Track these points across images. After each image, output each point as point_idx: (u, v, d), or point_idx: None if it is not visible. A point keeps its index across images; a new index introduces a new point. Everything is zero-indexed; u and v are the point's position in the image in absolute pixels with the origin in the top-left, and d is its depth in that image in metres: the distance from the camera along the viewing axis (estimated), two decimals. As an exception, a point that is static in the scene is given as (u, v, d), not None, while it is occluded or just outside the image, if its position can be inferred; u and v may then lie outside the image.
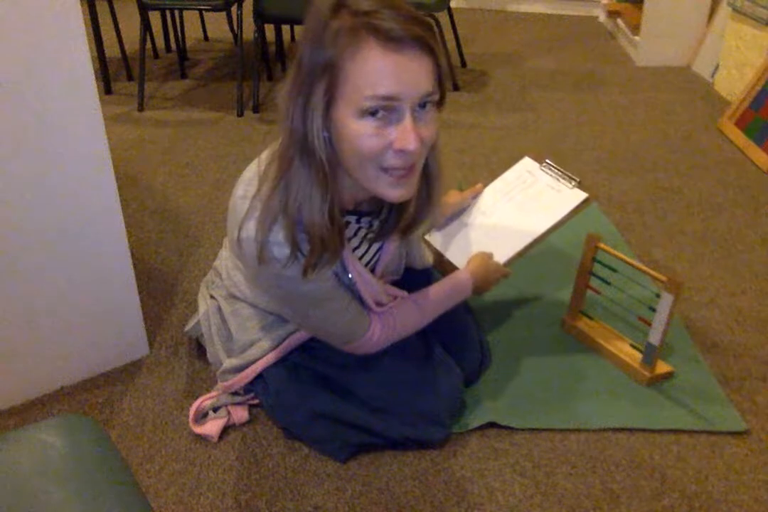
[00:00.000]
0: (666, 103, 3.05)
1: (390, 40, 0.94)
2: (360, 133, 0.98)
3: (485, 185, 1.64)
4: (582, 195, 1.50)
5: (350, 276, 1.19)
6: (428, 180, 1.15)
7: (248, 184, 1.11)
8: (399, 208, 1.18)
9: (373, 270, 1.30)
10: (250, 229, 1.07)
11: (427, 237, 1.58)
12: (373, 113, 0.97)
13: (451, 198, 1.60)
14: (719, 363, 1.57)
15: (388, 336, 1.28)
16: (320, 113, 0.99)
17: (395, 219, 1.19)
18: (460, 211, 1.61)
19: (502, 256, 1.49)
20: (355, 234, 1.22)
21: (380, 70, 0.95)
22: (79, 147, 1.30)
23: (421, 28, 0.96)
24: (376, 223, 1.21)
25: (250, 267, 1.13)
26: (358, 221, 1.19)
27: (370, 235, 1.23)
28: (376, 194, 1.07)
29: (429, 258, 1.47)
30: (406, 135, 0.98)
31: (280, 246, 1.06)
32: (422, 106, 0.99)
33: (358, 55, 0.95)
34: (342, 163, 1.04)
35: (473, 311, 1.57)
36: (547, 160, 1.59)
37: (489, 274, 1.44)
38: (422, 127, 1.00)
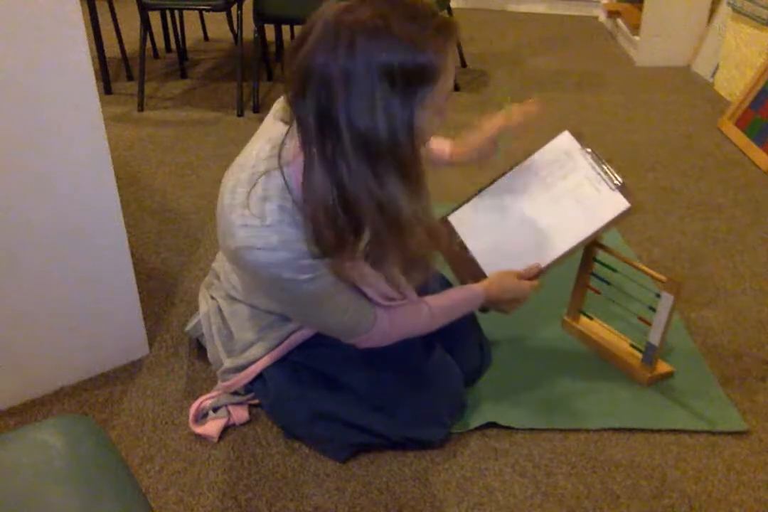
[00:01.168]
0: (666, 103, 3.05)
1: (453, 35, 0.99)
2: (436, 125, 1.05)
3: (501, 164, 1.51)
4: (624, 204, 1.35)
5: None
6: None
7: (233, 192, 1.09)
8: None
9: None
10: (243, 237, 1.06)
11: (450, 218, 1.50)
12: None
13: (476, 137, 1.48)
14: (719, 363, 1.57)
15: (394, 333, 1.28)
16: (409, 122, 0.98)
17: None
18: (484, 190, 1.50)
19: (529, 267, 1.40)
20: None
21: (453, 65, 1.01)
22: (79, 147, 1.30)
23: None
24: None
25: (247, 273, 1.13)
26: None
27: None
28: None
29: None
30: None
31: (276, 250, 1.06)
32: None
33: (447, 54, 0.98)
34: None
35: (473, 311, 1.57)
36: (590, 146, 1.44)
37: (503, 294, 1.38)
38: None
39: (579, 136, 1.46)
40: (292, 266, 1.07)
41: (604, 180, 1.39)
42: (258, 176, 1.07)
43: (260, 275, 1.09)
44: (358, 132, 0.95)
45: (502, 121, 1.45)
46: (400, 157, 0.99)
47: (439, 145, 1.48)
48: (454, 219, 1.51)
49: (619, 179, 1.38)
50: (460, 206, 1.52)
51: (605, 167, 1.41)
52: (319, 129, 0.98)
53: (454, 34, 0.99)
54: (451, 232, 1.48)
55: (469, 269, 1.44)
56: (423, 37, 0.94)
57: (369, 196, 1.00)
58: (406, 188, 1.02)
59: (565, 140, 1.47)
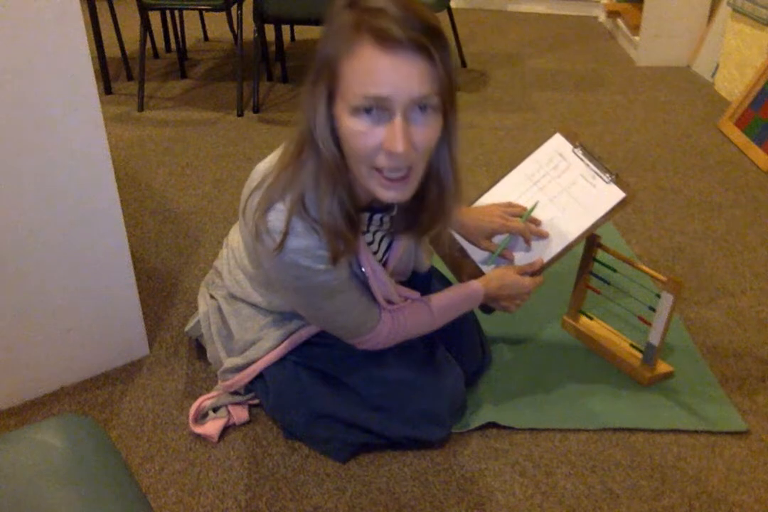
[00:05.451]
0: (666, 103, 3.05)
1: (385, 40, 0.93)
2: (353, 130, 0.99)
3: (511, 168, 1.50)
4: (619, 194, 1.37)
5: (363, 269, 1.20)
6: (440, 190, 1.12)
7: (262, 176, 1.11)
8: (408, 207, 1.17)
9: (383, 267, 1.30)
10: (270, 219, 1.07)
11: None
12: (367, 110, 0.97)
13: (494, 218, 1.43)
14: (719, 363, 1.57)
15: (397, 334, 1.28)
16: (323, 107, 1.01)
17: (404, 218, 1.19)
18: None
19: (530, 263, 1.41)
20: (368, 229, 1.22)
21: (372, 71, 0.95)
22: (79, 147, 1.30)
23: (423, 30, 0.94)
24: (386, 220, 1.22)
25: (265, 258, 1.13)
26: (370, 218, 1.20)
27: (379, 232, 1.23)
28: (371, 192, 1.07)
29: (429, 262, 1.46)
30: (393, 136, 0.97)
31: (298, 236, 1.07)
32: (422, 108, 0.98)
33: (354, 53, 0.95)
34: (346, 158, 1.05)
35: (474, 311, 1.57)
36: (581, 143, 1.45)
37: (503, 290, 1.37)
38: (416, 130, 0.99)
39: (570, 136, 1.47)
40: (312, 254, 1.08)
41: (598, 174, 1.41)
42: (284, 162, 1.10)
43: (280, 261, 1.10)
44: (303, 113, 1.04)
45: (515, 227, 1.42)
46: (318, 147, 1.03)
47: None
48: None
49: (613, 172, 1.40)
50: None
51: (598, 162, 1.42)
52: None
53: (380, 35, 0.93)
54: (452, 239, 1.49)
55: (470, 272, 1.44)
56: (340, 19, 0.97)
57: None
58: (317, 185, 1.05)
59: (557, 142, 1.48)
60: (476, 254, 1.46)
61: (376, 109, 0.97)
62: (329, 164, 1.03)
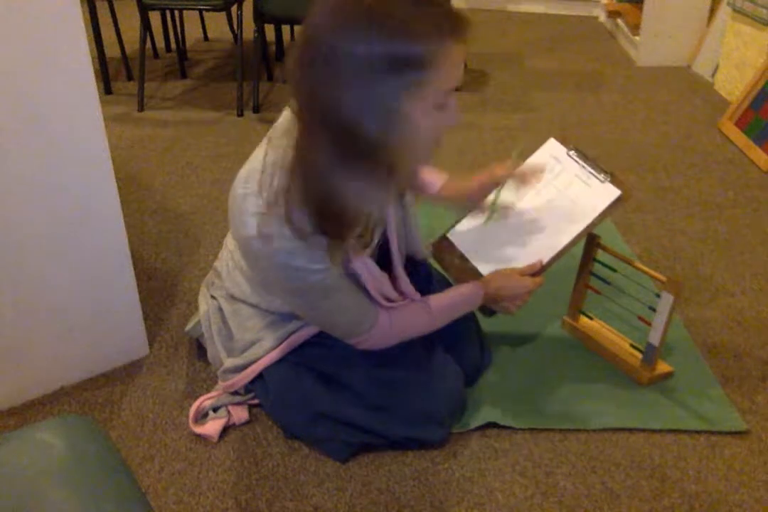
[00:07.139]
0: (666, 103, 3.05)
1: (464, 31, 1.03)
2: (439, 122, 1.05)
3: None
4: (615, 192, 1.38)
5: (353, 265, 1.20)
6: None
7: (246, 182, 1.11)
8: None
9: (388, 253, 1.30)
10: (256, 225, 1.07)
11: (449, 235, 1.51)
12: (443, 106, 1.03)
13: (478, 177, 1.46)
14: (719, 363, 1.57)
15: (395, 334, 1.28)
16: (396, 109, 0.99)
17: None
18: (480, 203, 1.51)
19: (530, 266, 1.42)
20: None
21: (457, 62, 1.03)
22: (79, 147, 1.30)
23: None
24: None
25: (258, 261, 1.13)
26: None
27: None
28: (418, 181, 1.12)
29: (426, 251, 1.46)
30: (457, 109, 1.07)
31: (288, 239, 1.07)
32: None
33: (447, 53, 1.00)
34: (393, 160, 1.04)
35: (473, 311, 1.57)
36: (575, 146, 1.48)
37: (503, 291, 1.37)
38: None
39: (564, 141, 1.51)
40: (304, 254, 1.09)
41: (593, 174, 1.43)
42: (270, 166, 1.08)
43: (272, 263, 1.10)
44: (337, 115, 0.97)
45: (504, 172, 1.44)
46: (378, 145, 1.00)
47: (432, 178, 1.47)
48: (453, 235, 1.52)
49: (608, 171, 1.42)
50: (457, 222, 1.53)
51: (593, 163, 1.44)
52: (304, 105, 1.01)
53: (458, 27, 1.01)
54: (451, 247, 1.50)
55: (471, 278, 1.44)
56: (418, 23, 0.96)
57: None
58: (368, 183, 1.05)
59: (551, 146, 1.51)
60: (476, 260, 1.47)
61: None
62: (381, 170, 1.05)
